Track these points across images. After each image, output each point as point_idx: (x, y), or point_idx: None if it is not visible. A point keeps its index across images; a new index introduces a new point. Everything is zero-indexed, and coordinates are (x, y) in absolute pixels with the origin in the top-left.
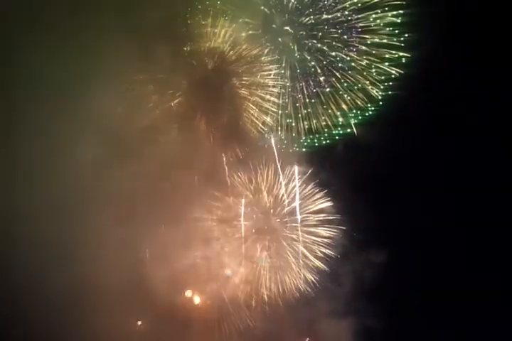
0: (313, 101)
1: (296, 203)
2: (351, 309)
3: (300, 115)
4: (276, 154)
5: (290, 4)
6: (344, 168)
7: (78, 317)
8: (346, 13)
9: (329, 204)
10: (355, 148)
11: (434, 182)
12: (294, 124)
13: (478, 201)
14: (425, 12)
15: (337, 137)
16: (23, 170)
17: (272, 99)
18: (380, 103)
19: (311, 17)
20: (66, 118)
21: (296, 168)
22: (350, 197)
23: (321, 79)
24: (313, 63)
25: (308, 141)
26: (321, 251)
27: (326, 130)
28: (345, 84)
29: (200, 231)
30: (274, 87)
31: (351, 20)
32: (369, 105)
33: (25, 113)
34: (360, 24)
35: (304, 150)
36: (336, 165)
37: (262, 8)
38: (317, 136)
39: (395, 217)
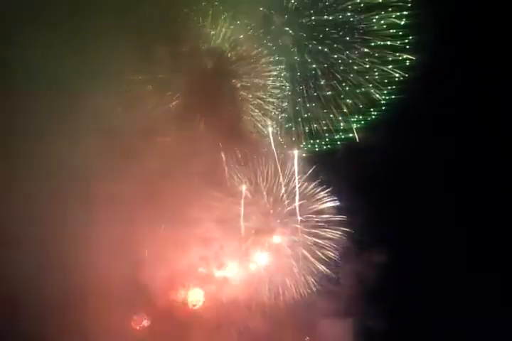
0: (313, 104)
1: (296, 204)
2: (352, 310)
3: (300, 119)
4: (276, 155)
5: (290, 5)
6: (345, 169)
7: (75, 317)
8: (348, 14)
9: (330, 205)
10: (356, 149)
11: (435, 184)
12: (294, 128)
13: (478, 201)
14: (429, 13)
15: (338, 142)
16: (19, 169)
17: (272, 100)
18: (383, 107)
19: (312, 18)
20: (65, 118)
21: (296, 169)
22: (351, 198)
23: (322, 82)
24: (313, 66)
25: (309, 145)
26: (322, 253)
27: (326, 134)
28: (347, 88)
29: (199, 231)
30: (274, 88)
31: (353, 21)
32: (371, 109)
33: (21, 112)
34: (363, 25)
35: (304, 155)
36: (336, 166)
37: (261, 9)
38: (318, 141)
39: (395, 218)
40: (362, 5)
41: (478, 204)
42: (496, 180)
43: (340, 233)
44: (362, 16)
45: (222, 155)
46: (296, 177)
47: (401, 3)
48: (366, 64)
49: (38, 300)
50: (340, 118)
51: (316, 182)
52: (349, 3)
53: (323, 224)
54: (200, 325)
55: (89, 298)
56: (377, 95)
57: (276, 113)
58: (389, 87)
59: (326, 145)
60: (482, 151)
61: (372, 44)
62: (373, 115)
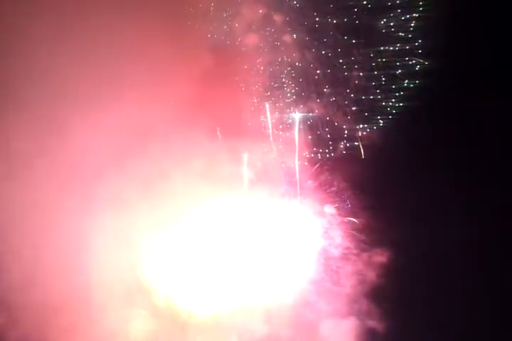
0: (316, 111)
1: (297, 204)
2: (353, 310)
3: (302, 126)
4: (276, 154)
5: (292, 5)
6: (346, 169)
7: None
8: (354, 16)
9: (330, 205)
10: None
11: (437, 184)
12: (295, 136)
13: (480, 202)
14: (441, 15)
15: (344, 152)
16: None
17: (276, 104)
18: (391, 116)
19: (315, 19)
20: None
21: (296, 169)
22: (352, 198)
23: (325, 88)
24: (317, 71)
25: (312, 154)
26: (322, 253)
27: (330, 143)
28: (352, 94)
29: (197, 230)
30: (276, 89)
31: (359, 23)
32: (378, 117)
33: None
34: (369, 28)
35: (306, 163)
36: (337, 167)
37: (261, 10)
38: (320, 150)
39: (395, 218)
40: (369, 6)
41: (480, 204)
42: (499, 185)
43: (340, 233)
44: (368, 18)
45: (222, 154)
46: (297, 177)
47: (411, 5)
48: (372, 69)
49: (33, 300)
50: (344, 126)
51: (316, 183)
52: (354, 4)
53: (323, 223)
54: (199, 325)
55: (87, 298)
56: (385, 102)
57: (280, 118)
58: (397, 94)
59: (330, 153)
60: (490, 157)
61: (381, 48)
62: (380, 123)
